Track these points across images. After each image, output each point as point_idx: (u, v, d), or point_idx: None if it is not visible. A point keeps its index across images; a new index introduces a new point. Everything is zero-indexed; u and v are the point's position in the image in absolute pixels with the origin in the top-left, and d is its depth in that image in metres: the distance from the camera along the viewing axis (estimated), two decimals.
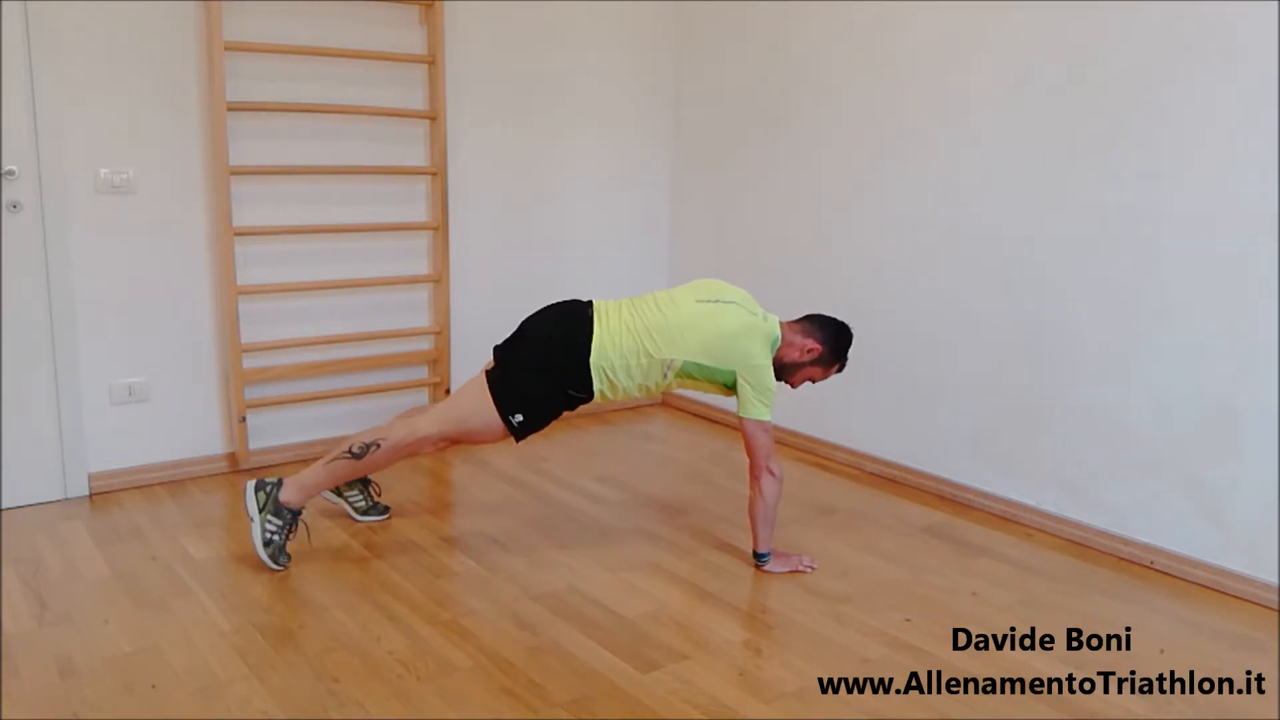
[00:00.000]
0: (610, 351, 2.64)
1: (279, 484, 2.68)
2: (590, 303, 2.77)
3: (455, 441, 2.76)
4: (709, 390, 2.79)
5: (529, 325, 2.80)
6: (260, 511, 2.66)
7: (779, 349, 2.75)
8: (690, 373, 2.70)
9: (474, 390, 2.69)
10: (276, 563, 2.67)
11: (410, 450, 2.72)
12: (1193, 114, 2.70)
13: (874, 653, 2.36)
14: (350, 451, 2.68)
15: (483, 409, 2.65)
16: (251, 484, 2.69)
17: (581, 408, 2.78)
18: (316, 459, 3.47)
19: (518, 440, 2.71)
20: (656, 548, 2.95)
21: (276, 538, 2.67)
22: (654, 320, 2.68)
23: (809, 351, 2.77)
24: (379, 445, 2.67)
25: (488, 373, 2.71)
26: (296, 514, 2.70)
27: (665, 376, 2.70)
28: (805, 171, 3.82)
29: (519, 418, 2.66)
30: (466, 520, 3.15)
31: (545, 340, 2.71)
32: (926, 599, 2.65)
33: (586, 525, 3.11)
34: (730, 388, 2.73)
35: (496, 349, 2.87)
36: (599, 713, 2.08)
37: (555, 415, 2.72)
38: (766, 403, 2.68)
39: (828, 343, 2.79)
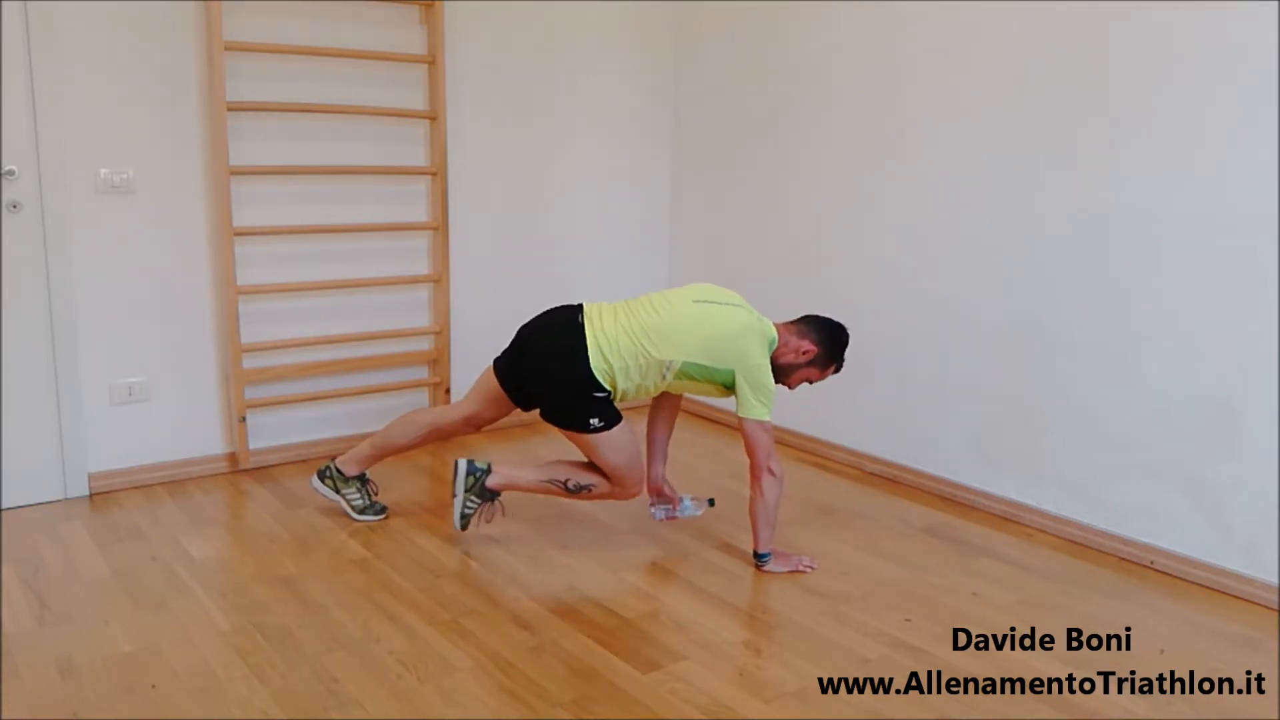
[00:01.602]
0: (608, 354, 2.64)
1: (488, 470, 2.83)
2: (580, 306, 2.77)
3: (623, 479, 2.80)
4: (707, 391, 2.79)
5: (523, 339, 2.83)
6: (467, 491, 2.83)
7: (775, 350, 2.75)
8: (689, 373, 2.70)
9: (577, 441, 2.74)
10: (463, 528, 2.88)
11: (611, 498, 2.85)
12: (1193, 114, 2.70)
13: (874, 653, 2.36)
14: (566, 485, 2.81)
15: (594, 442, 2.71)
16: (464, 463, 2.83)
17: None
18: (316, 459, 3.51)
19: (619, 424, 2.73)
20: (656, 548, 2.95)
21: (472, 514, 2.85)
22: (651, 321, 2.68)
23: (804, 353, 2.77)
24: (591, 490, 2.81)
25: (544, 416, 2.76)
26: (495, 495, 2.86)
27: (664, 377, 2.70)
28: (805, 171, 3.82)
29: (596, 422, 2.68)
30: (472, 527, 3.15)
31: (545, 359, 2.73)
32: (926, 599, 2.65)
33: (586, 525, 3.11)
34: (729, 388, 2.73)
35: (496, 362, 2.88)
36: (599, 713, 2.08)
37: (611, 405, 2.72)
38: (766, 403, 2.68)
39: (823, 344, 2.79)
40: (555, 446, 3.71)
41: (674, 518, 3.06)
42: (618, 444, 2.73)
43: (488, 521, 2.88)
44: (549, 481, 2.83)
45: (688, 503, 3.04)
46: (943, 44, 3.29)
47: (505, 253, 4.03)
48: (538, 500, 3.26)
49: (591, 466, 2.81)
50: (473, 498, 2.83)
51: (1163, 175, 2.77)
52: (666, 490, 3.07)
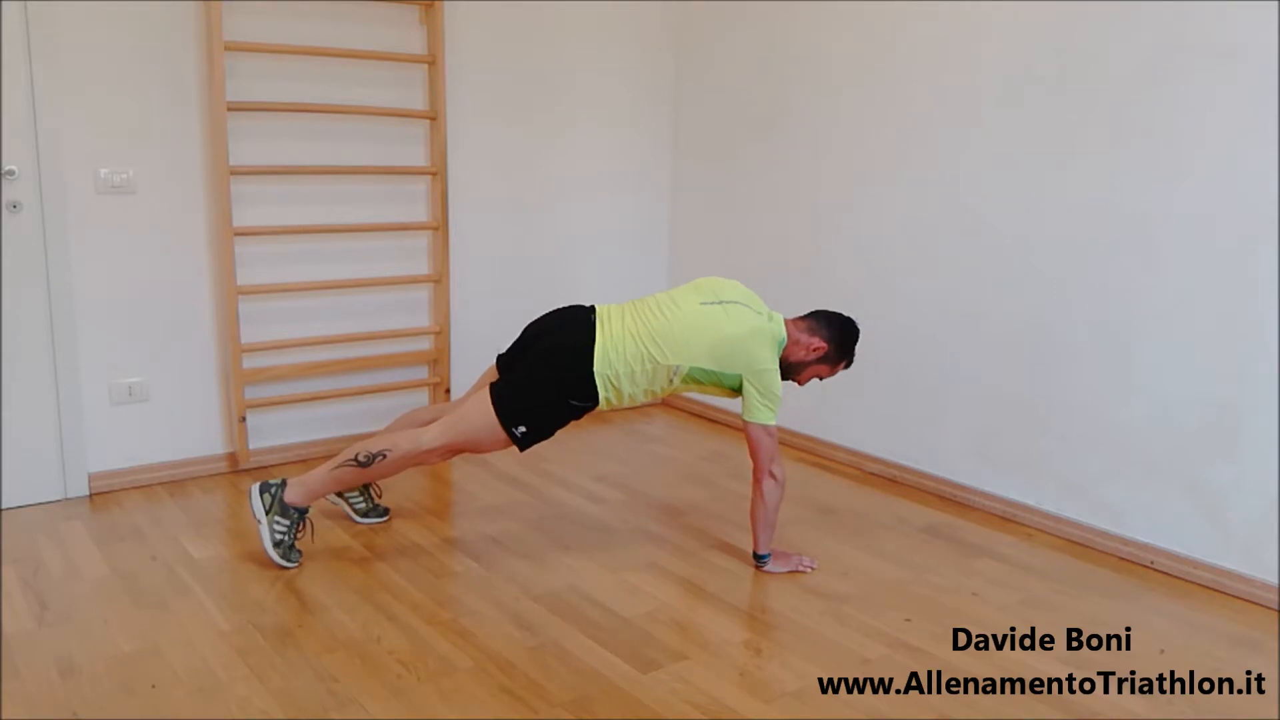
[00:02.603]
0: (614, 359, 2.63)
1: (283, 485, 2.69)
2: (593, 308, 2.77)
3: (460, 451, 2.76)
4: (714, 393, 2.78)
5: (532, 334, 2.80)
6: (267, 513, 2.67)
7: (785, 348, 2.74)
8: (696, 377, 2.69)
9: (478, 403, 2.68)
10: (288, 560, 2.69)
11: (416, 461, 2.72)
12: (1193, 114, 2.70)
13: (874, 653, 2.36)
14: (357, 459, 2.67)
15: (486, 421, 2.65)
16: (256, 486, 2.69)
17: None
18: (316, 459, 3.50)
19: (521, 450, 2.71)
20: (656, 548, 2.95)
21: (286, 537, 2.69)
22: (658, 325, 2.67)
23: (815, 350, 2.77)
24: (385, 455, 2.67)
25: (492, 385, 2.70)
26: (303, 513, 2.71)
27: (671, 382, 2.69)
28: (805, 171, 3.83)
29: (521, 429, 2.65)
30: (467, 521, 3.15)
31: (548, 350, 2.70)
32: (926, 599, 2.65)
33: (587, 525, 3.11)
34: (736, 390, 2.72)
35: (500, 358, 2.87)
36: (599, 713, 2.08)
37: (560, 425, 2.71)
38: (771, 407, 2.67)
39: (833, 340, 2.78)
40: (559, 446, 3.72)
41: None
42: (492, 441, 2.67)
43: (302, 535, 2.75)
44: (341, 467, 2.68)
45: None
46: (943, 44, 3.29)
47: (505, 253, 4.03)
48: (538, 501, 3.26)
49: (384, 435, 2.74)
50: (278, 519, 2.67)
51: (1163, 175, 2.77)
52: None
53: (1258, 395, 2.63)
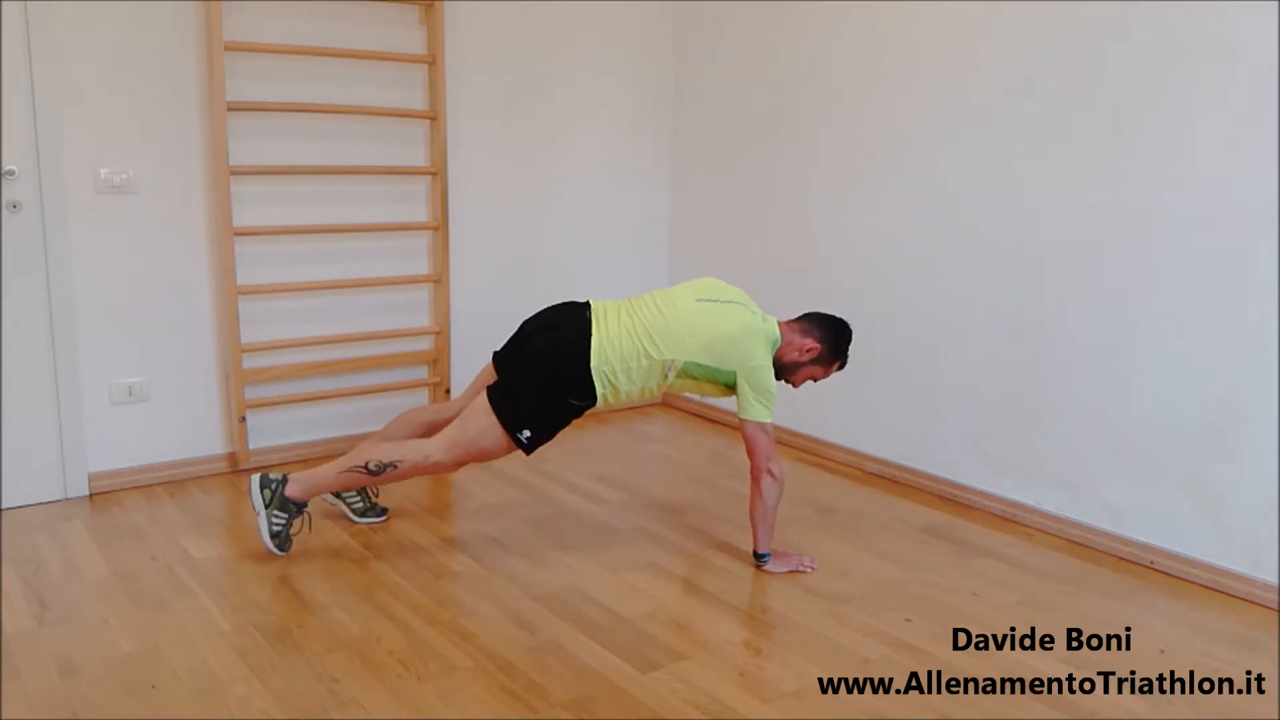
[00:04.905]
0: (610, 355, 2.63)
1: (284, 480, 2.70)
2: (588, 304, 2.77)
3: (469, 462, 2.75)
4: (709, 391, 2.78)
5: (526, 331, 2.80)
6: (267, 506, 2.69)
7: (778, 349, 2.74)
8: (691, 373, 2.69)
9: (478, 410, 2.67)
10: (282, 550, 2.73)
11: (425, 473, 2.74)
12: (1193, 114, 2.70)
13: (874, 653, 2.36)
14: (367, 467, 2.68)
15: (491, 429, 2.65)
16: (256, 479, 2.70)
17: None
18: (316, 459, 3.50)
19: (528, 454, 2.71)
20: (656, 548, 2.95)
21: (283, 530, 2.72)
22: (654, 321, 2.67)
23: (808, 351, 2.77)
24: (396, 466, 2.67)
25: (489, 389, 2.70)
26: (302, 507, 2.73)
27: (666, 377, 2.69)
28: (805, 171, 3.83)
29: (526, 434, 2.65)
30: (466, 520, 3.15)
31: (544, 349, 2.70)
32: (926, 599, 2.65)
33: (586, 525, 3.11)
34: (731, 388, 2.72)
35: (496, 355, 2.87)
36: (599, 713, 2.08)
37: (563, 425, 2.71)
38: (767, 404, 2.68)
39: (827, 341, 2.79)
40: (559, 446, 3.72)
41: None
42: (496, 447, 2.67)
43: (307, 530, 2.80)
44: (349, 471, 2.70)
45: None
46: (942, 44, 3.29)
47: (505, 253, 4.03)
48: (538, 500, 3.26)
49: (395, 445, 2.73)
50: (276, 513, 2.69)
51: (1163, 175, 2.77)
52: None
53: (1258, 395, 2.63)
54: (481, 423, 2.66)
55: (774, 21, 3.87)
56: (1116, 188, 2.87)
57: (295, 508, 2.72)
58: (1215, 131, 2.66)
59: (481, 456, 2.72)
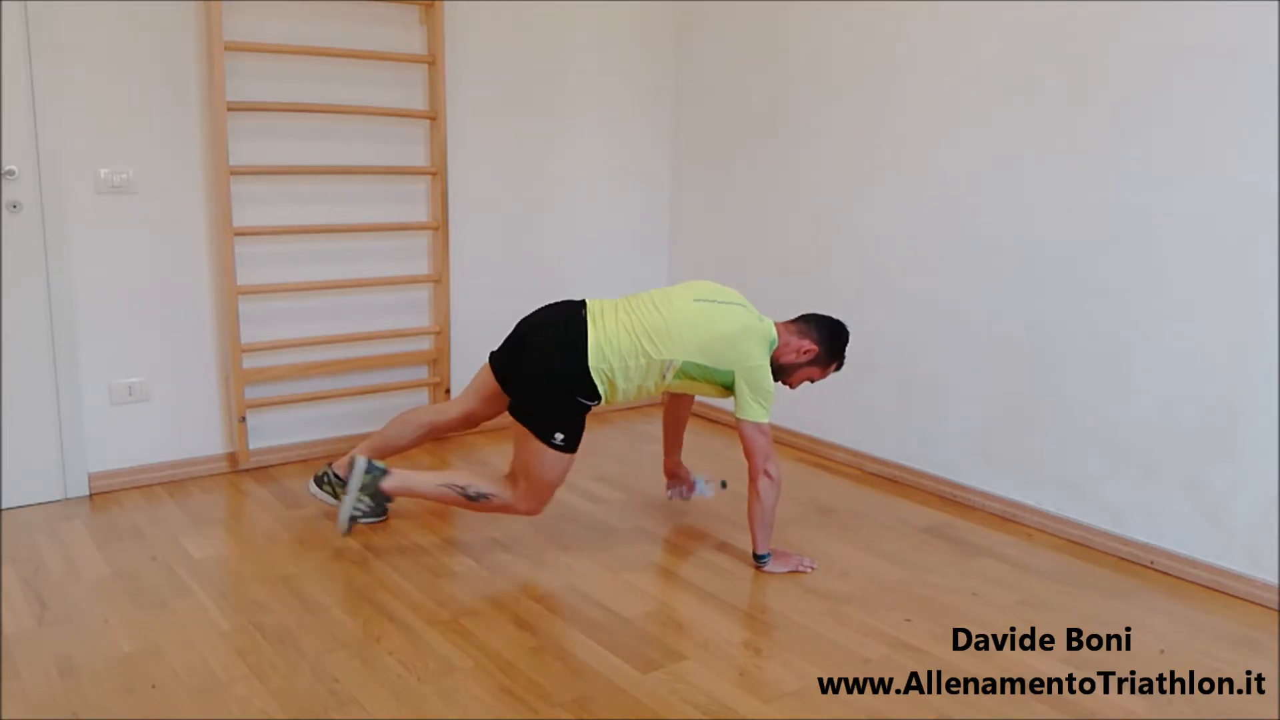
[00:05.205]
0: (608, 353, 2.63)
1: (385, 472, 2.76)
2: (583, 303, 2.77)
3: (550, 497, 2.77)
4: (707, 392, 2.78)
5: (522, 332, 2.81)
6: (361, 490, 2.75)
7: (775, 350, 2.75)
8: (689, 373, 2.69)
9: (526, 450, 2.68)
10: (346, 533, 2.81)
11: (511, 513, 2.81)
12: (1193, 114, 2.70)
13: (874, 653, 2.36)
14: (466, 493, 2.74)
15: (542, 455, 2.66)
16: (362, 461, 2.76)
17: None
18: (316, 459, 3.51)
19: (573, 454, 2.71)
20: (656, 548, 2.95)
21: (361, 516, 2.81)
22: (652, 320, 2.67)
23: (805, 352, 2.77)
24: (490, 500, 2.75)
25: (511, 409, 2.71)
26: (387, 502, 2.84)
27: (664, 377, 2.69)
28: (805, 171, 3.83)
29: (559, 436, 2.65)
30: (466, 520, 3.15)
31: (542, 349, 2.70)
32: (926, 599, 2.65)
33: (587, 525, 3.11)
34: (728, 389, 2.72)
35: (493, 355, 2.88)
36: (599, 713, 2.08)
37: (582, 423, 2.71)
38: (764, 405, 2.68)
39: (823, 342, 2.79)
40: None
41: (687, 498, 3.19)
42: (559, 466, 2.69)
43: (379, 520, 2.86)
44: (447, 487, 2.76)
45: (701, 483, 3.18)
46: (942, 44, 3.29)
47: (505, 253, 4.03)
48: None
49: (494, 478, 2.78)
50: (364, 498, 2.76)
51: (1163, 175, 2.77)
52: (681, 473, 3.17)
53: (1258, 395, 2.63)
54: (536, 459, 2.67)
55: (774, 21, 3.87)
56: (1117, 188, 2.88)
57: (382, 501, 2.82)
58: (1215, 131, 2.66)
59: (553, 482, 2.74)
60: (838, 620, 2.52)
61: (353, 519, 2.78)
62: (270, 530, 3.00)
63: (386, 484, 2.76)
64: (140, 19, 3.11)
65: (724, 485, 3.20)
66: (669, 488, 3.21)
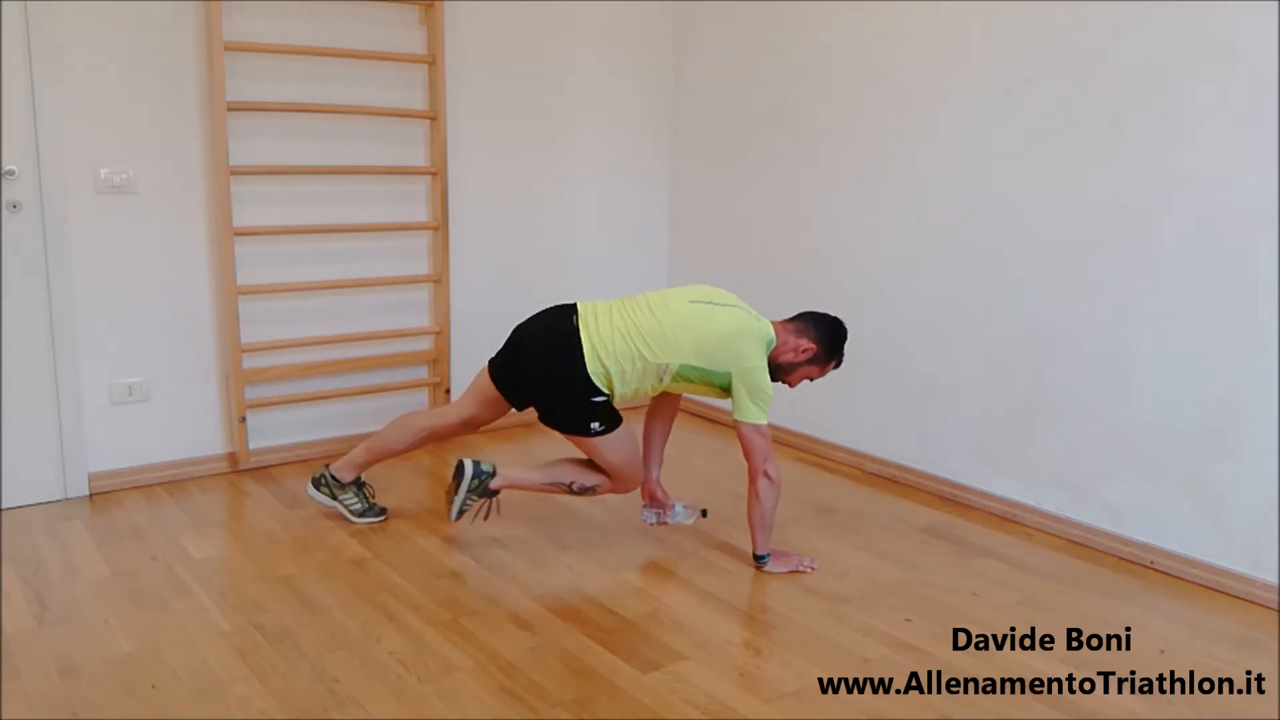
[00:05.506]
0: (604, 357, 2.64)
1: (493, 473, 2.82)
2: (574, 307, 2.77)
3: (632, 468, 2.83)
4: (705, 393, 2.78)
5: (519, 338, 2.82)
6: (470, 491, 2.81)
7: (773, 350, 2.74)
8: (686, 375, 2.69)
9: (576, 441, 2.76)
10: (457, 519, 2.87)
11: (614, 492, 2.89)
12: (1193, 113, 2.70)
13: (874, 653, 2.36)
14: (571, 488, 2.82)
15: (593, 444, 2.73)
16: (470, 465, 2.81)
17: None
18: (316, 459, 3.50)
19: (621, 425, 2.75)
20: (656, 548, 2.95)
21: (469, 509, 2.85)
22: (647, 323, 2.67)
23: (804, 351, 2.77)
24: (595, 490, 2.83)
25: (541, 419, 2.78)
26: (495, 494, 2.85)
27: (661, 379, 2.69)
28: (805, 171, 3.82)
29: (597, 425, 2.69)
30: (466, 520, 3.15)
31: (541, 355, 2.72)
32: (926, 599, 2.65)
33: (586, 525, 3.11)
34: (726, 390, 2.72)
35: (491, 363, 2.88)
36: (599, 713, 2.08)
37: (608, 404, 2.72)
38: (762, 406, 2.67)
39: (821, 341, 2.78)
40: (557, 445, 3.72)
41: (664, 523, 3.04)
42: (618, 444, 2.74)
43: (484, 519, 2.87)
44: (554, 484, 2.84)
45: (679, 509, 3.04)
46: (942, 43, 3.29)
47: (505, 253, 4.03)
48: (538, 500, 3.26)
49: (593, 466, 2.82)
50: (474, 496, 2.83)
51: (1163, 175, 2.77)
52: (659, 495, 3.05)
53: (1258, 395, 2.63)
54: (597, 451, 2.75)
55: (774, 21, 3.87)
56: (1116, 188, 2.88)
57: (491, 494, 2.85)
58: (1215, 131, 2.65)
59: (633, 456, 2.81)
60: (837, 620, 2.52)
61: (462, 511, 2.84)
62: (270, 530, 3.00)
63: (496, 484, 2.83)
64: (140, 19, 3.11)
65: (704, 514, 3.04)
66: (645, 508, 3.05)
